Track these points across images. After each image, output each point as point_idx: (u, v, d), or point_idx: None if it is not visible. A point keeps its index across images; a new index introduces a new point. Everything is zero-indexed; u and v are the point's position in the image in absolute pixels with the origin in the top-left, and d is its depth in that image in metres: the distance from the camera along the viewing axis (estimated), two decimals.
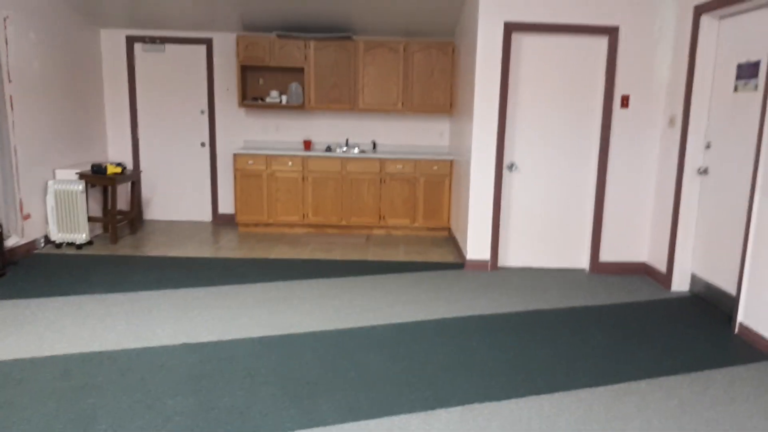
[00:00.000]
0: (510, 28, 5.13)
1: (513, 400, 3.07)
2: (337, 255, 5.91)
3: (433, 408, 2.97)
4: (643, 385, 3.28)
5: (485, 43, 5.17)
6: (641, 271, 5.46)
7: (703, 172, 4.72)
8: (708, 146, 4.68)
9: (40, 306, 4.28)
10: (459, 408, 2.98)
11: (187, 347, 3.64)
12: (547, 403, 3.06)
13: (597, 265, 5.45)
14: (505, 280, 5.18)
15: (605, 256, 5.44)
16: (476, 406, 3.00)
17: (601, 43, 5.22)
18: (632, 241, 5.42)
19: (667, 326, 4.21)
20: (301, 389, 3.14)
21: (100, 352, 3.53)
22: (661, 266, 5.17)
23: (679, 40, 4.97)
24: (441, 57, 6.77)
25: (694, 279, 4.89)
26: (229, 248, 6.11)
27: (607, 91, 5.20)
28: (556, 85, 5.27)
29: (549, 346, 3.80)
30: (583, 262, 5.55)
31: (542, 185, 5.41)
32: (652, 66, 5.17)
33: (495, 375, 3.36)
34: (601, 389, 3.22)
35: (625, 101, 5.20)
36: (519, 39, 5.22)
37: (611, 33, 5.14)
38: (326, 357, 3.55)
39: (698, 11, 4.65)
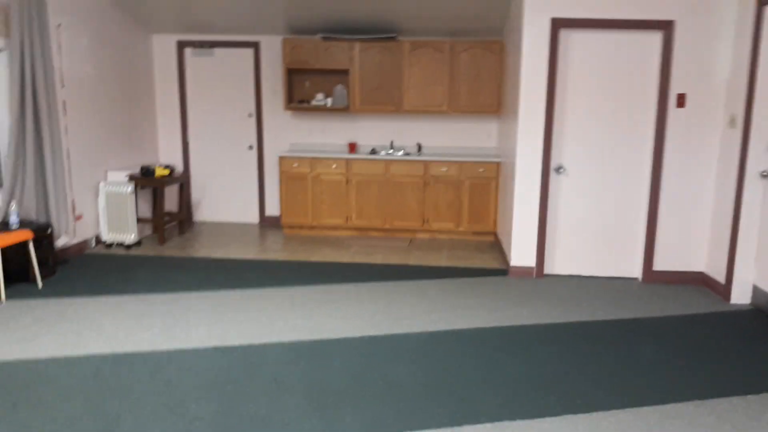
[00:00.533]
0: (557, 25, 4.91)
1: (546, 419, 2.89)
2: (378, 259, 5.82)
3: (460, 424, 2.83)
4: (691, 407, 3.03)
5: (531, 40, 4.97)
6: (698, 281, 5.13)
7: (767, 175, 4.38)
8: None
9: (82, 305, 4.38)
10: (488, 425, 2.83)
11: (217, 350, 3.63)
12: (582, 423, 2.86)
13: (650, 274, 5.15)
14: (549, 289, 4.96)
15: (659, 264, 5.13)
16: (506, 423, 2.84)
17: (655, 38, 4.93)
18: (689, 248, 5.09)
19: (723, 342, 3.91)
20: (326, 399, 3.06)
21: (133, 353, 3.56)
22: (720, 276, 4.83)
23: (740, 34, 4.63)
24: (488, 56, 6.59)
25: (756, 291, 4.53)
26: (273, 250, 6.12)
27: (662, 89, 4.90)
28: (606, 83, 5.01)
29: (592, 361, 3.59)
30: (636, 270, 5.25)
31: (592, 188, 5.16)
32: (710, 62, 4.84)
33: (530, 391, 3.18)
34: (644, 410, 2.99)
35: (681, 100, 4.89)
36: (567, 36, 4.99)
37: (666, 28, 4.84)
38: (355, 365, 3.46)
39: (761, 2, 4.32)
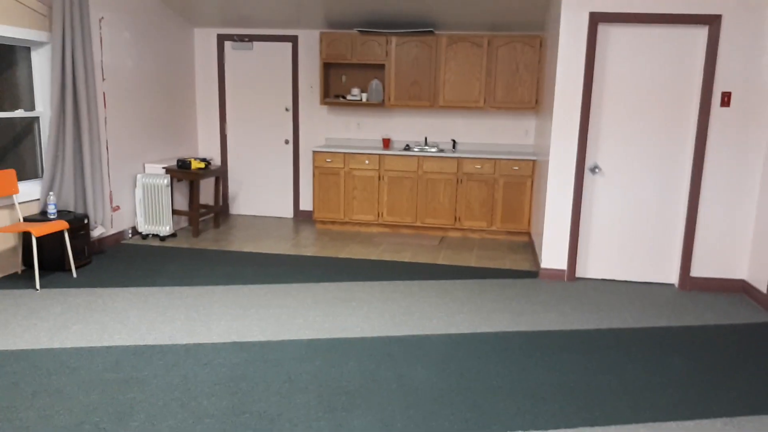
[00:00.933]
0: (596, 19, 4.73)
1: (561, 431, 2.78)
2: (406, 257, 5.76)
3: None
4: (719, 424, 2.87)
5: (568, 34, 4.80)
6: (739, 289, 4.87)
7: None
8: None
9: (111, 296, 4.47)
10: None
11: (236, 346, 3.65)
12: None
13: (688, 281, 4.92)
14: (580, 293, 4.80)
15: (698, 270, 4.90)
16: None
17: (700, 33, 4.69)
18: (730, 255, 4.85)
19: (760, 356, 3.69)
20: (337, 399, 3.03)
21: (153, 346, 3.61)
22: (762, 285, 4.57)
23: None
24: (527, 51, 6.41)
25: None
26: (303, 245, 6.13)
27: (705, 87, 4.66)
28: (647, 81, 4.80)
29: (617, 371, 3.45)
30: (672, 276, 5.03)
31: (628, 189, 4.96)
32: (759, 59, 4.57)
33: (548, 400, 3.08)
34: (668, 426, 2.85)
35: (726, 99, 4.64)
36: (606, 30, 4.80)
37: (712, 22, 4.60)
38: (371, 366, 3.42)
39: None
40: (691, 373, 3.44)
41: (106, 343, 3.63)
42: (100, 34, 5.61)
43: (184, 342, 3.68)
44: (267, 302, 4.42)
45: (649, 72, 4.79)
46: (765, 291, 4.55)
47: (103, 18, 5.62)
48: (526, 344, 3.78)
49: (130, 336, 3.75)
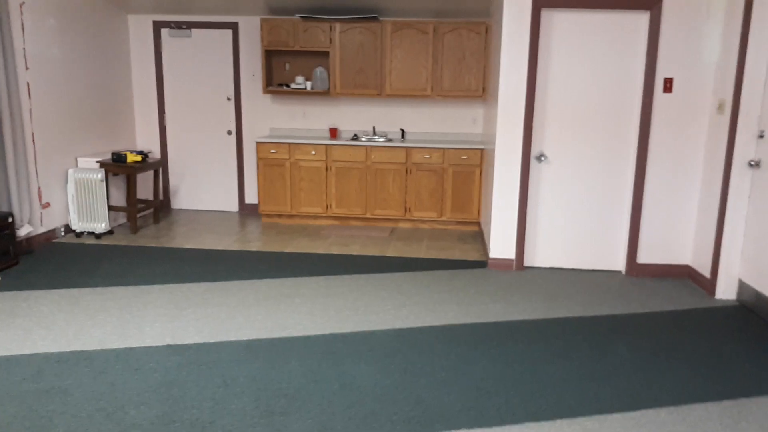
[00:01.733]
0: (539, 4, 4.67)
1: (506, 427, 2.70)
2: (355, 250, 5.63)
3: None
4: (663, 414, 2.84)
5: (511, 20, 4.72)
6: (684, 274, 4.93)
7: (756, 164, 4.15)
8: (761, 136, 4.10)
9: (38, 299, 4.20)
10: None
11: (169, 349, 3.45)
12: None
13: (634, 267, 4.94)
14: (529, 282, 4.77)
15: (644, 257, 4.92)
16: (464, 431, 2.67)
17: (642, 19, 4.68)
18: (675, 240, 4.89)
19: (705, 341, 3.71)
20: (275, 403, 2.89)
21: (80, 352, 3.38)
22: (706, 270, 4.62)
23: (729, 16, 4.38)
24: (473, 38, 6.33)
25: (742, 286, 4.33)
26: (247, 240, 5.93)
27: (648, 73, 4.66)
28: (590, 67, 4.77)
29: (563, 361, 3.40)
30: (619, 263, 5.05)
31: (575, 178, 4.94)
32: (699, 45, 4.60)
33: (493, 394, 3.00)
34: (612, 417, 2.81)
35: (668, 85, 4.65)
36: (549, 16, 4.74)
37: (653, 8, 4.59)
38: (312, 365, 3.28)
39: None
40: (636, 360, 3.42)
41: (28, 351, 3.38)
42: (22, 20, 5.25)
43: (115, 347, 3.46)
44: (205, 301, 4.22)
45: (593, 59, 4.76)
46: (708, 276, 4.60)
47: (24, 3, 5.26)
48: (472, 336, 3.70)
49: (56, 342, 3.51)
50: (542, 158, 4.92)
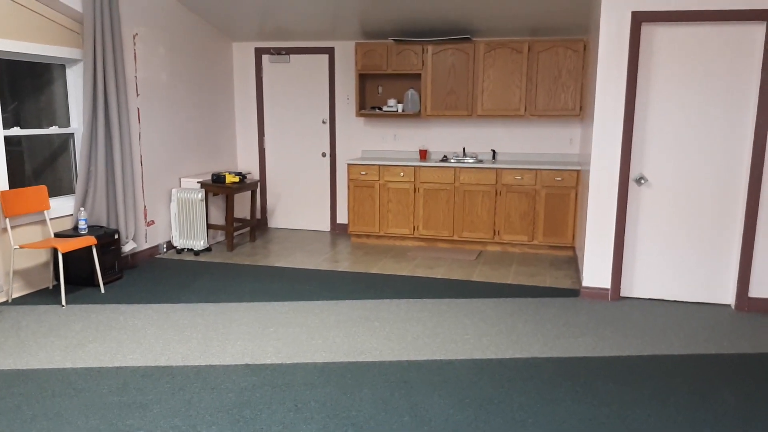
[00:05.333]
0: (639, 19, 4.39)
1: None
2: (439, 273, 5.51)
3: None
4: None
5: (609, 36, 4.47)
6: None
7: None
8: None
9: (134, 313, 4.43)
10: None
11: (247, 368, 3.50)
12: None
13: (745, 301, 4.46)
14: (624, 315, 4.43)
15: (756, 290, 4.43)
16: None
17: (757, 30, 4.26)
18: None
19: None
20: (342, 431, 2.83)
21: (164, 367, 3.51)
22: None
23: None
24: (570, 56, 6.08)
25: None
26: (335, 260, 5.98)
27: (764, 88, 4.23)
28: (697, 84, 4.41)
29: (657, 405, 3.10)
30: (728, 296, 4.58)
31: (678, 201, 4.56)
32: None
33: None
34: None
35: None
36: (650, 31, 4.44)
37: None
38: (384, 394, 3.20)
39: None
40: (743, 409, 3.05)
41: (117, 364, 3.56)
42: (134, 49, 5.65)
43: (196, 363, 3.57)
44: (288, 321, 4.27)
45: (701, 74, 4.39)
46: None
47: (137, 34, 5.66)
48: (556, 372, 3.47)
49: (144, 356, 3.67)
50: (642, 180, 4.59)
